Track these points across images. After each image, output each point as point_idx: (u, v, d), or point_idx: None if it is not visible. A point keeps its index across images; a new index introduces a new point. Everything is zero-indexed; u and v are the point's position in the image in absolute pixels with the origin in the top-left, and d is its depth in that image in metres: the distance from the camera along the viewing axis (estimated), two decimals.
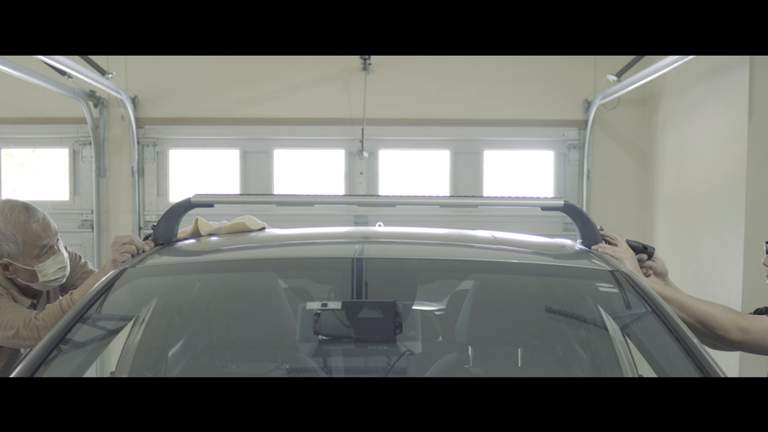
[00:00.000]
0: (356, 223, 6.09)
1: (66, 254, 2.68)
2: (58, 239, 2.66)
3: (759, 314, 2.33)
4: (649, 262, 2.44)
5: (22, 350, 2.62)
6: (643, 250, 2.46)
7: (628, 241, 2.41)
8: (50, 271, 2.60)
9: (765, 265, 2.37)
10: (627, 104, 6.00)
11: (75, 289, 2.61)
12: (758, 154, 4.31)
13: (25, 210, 2.57)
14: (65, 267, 2.65)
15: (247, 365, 2.25)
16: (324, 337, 1.86)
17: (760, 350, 2.14)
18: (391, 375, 1.86)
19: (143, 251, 2.31)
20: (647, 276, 2.39)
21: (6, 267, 2.56)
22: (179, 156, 6.34)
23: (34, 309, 2.65)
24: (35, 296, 2.69)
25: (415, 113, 6.14)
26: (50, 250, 2.60)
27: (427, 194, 5.68)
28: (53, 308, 2.46)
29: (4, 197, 5.64)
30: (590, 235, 2.39)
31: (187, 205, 2.42)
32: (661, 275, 2.45)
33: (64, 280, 2.68)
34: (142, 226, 6.21)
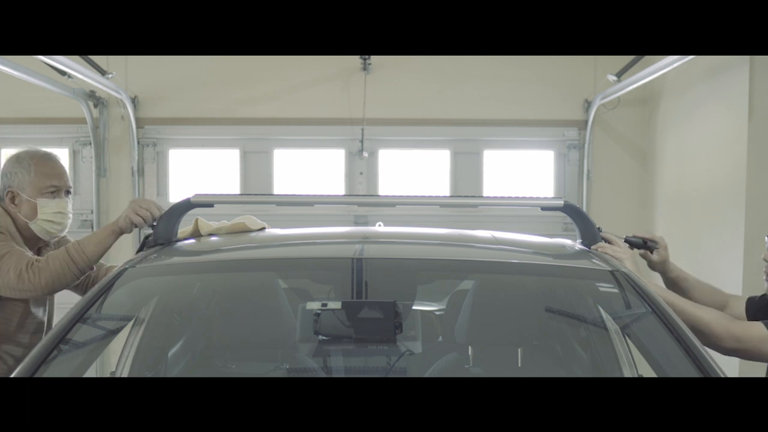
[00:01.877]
0: (356, 223, 6.09)
1: (71, 210, 2.74)
2: (69, 196, 2.74)
3: (752, 301, 2.33)
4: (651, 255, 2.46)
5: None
6: (643, 246, 2.47)
7: (627, 238, 2.41)
8: (50, 210, 2.65)
9: (765, 260, 2.37)
10: (627, 104, 6.00)
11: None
12: (758, 154, 4.31)
13: (46, 152, 2.76)
14: (65, 215, 2.70)
15: (247, 365, 2.25)
16: (324, 337, 1.86)
17: (752, 358, 2.14)
18: (391, 375, 1.86)
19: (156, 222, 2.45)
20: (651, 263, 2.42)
21: (12, 199, 2.65)
22: (179, 156, 6.34)
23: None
24: (39, 251, 2.71)
25: (415, 113, 6.14)
26: (57, 194, 2.68)
27: (427, 194, 5.67)
28: (59, 252, 2.50)
29: None
30: (590, 235, 2.39)
31: (187, 205, 2.42)
32: (660, 261, 2.46)
33: (62, 232, 2.73)
34: None
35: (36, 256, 2.54)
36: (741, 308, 2.38)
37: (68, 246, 2.52)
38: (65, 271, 2.47)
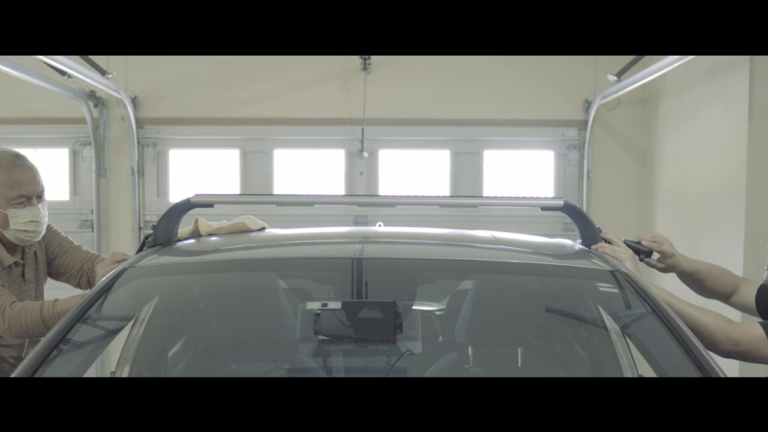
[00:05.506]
0: (356, 223, 6.10)
1: (45, 214, 2.67)
2: (41, 200, 2.66)
3: (763, 291, 2.32)
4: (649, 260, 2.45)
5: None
6: (640, 249, 2.45)
7: (626, 241, 2.41)
8: (22, 220, 2.58)
9: None
10: (627, 104, 6.00)
11: (64, 269, 2.79)
12: (758, 154, 4.31)
13: (15, 155, 2.61)
14: (38, 223, 2.63)
15: (247, 365, 2.25)
16: (324, 337, 1.86)
17: (750, 360, 2.13)
18: (391, 375, 1.86)
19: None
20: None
21: None
22: (179, 156, 6.35)
23: (21, 268, 2.67)
24: (23, 257, 2.69)
25: (415, 113, 6.14)
26: (28, 203, 2.60)
27: (427, 194, 5.67)
28: (33, 309, 2.46)
29: None
30: (590, 235, 2.39)
31: (187, 205, 2.42)
32: (670, 265, 2.45)
33: (37, 238, 2.67)
34: (142, 226, 6.21)
35: (12, 300, 2.48)
36: (751, 294, 2.36)
37: (43, 307, 2.44)
38: (35, 329, 2.44)
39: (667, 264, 2.45)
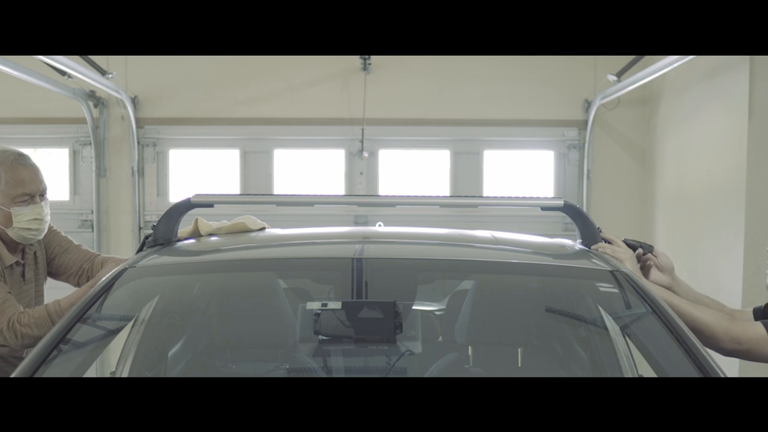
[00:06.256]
0: (356, 223, 6.10)
1: (48, 212, 2.67)
2: (44, 199, 2.66)
3: (757, 311, 2.32)
4: (648, 256, 2.42)
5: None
6: (640, 247, 2.44)
7: (625, 240, 2.40)
8: (25, 218, 2.58)
9: None
10: (627, 104, 6.01)
11: (64, 269, 2.79)
12: (758, 154, 4.31)
13: (18, 154, 2.62)
14: (42, 221, 2.63)
15: (247, 365, 2.25)
16: (324, 337, 1.86)
17: (752, 358, 2.12)
18: (391, 375, 1.86)
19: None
20: (647, 272, 2.38)
21: None
22: (179, 156, 6.35)
23: (21, 268, 2.67)
24: (23, 257, 2.69)
25: (415, 113, 6.15)
26: (31, 201, 2.60)
27: (427, 194, 5.67)
28: (40, 314, 2.46)
29: None
30: (590, 235, 2.39)
31: (187, 205, 2.42)
32: (666, 271, 2.43)
33: (40, 236, 2.67)
34: (142, 226, 6.21)
35: (21, 311, 2.47)
36: (748, 318, 2.35)
37: (50, 310, 2.46)
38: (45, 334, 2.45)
39: (661, 265, 2.41)
